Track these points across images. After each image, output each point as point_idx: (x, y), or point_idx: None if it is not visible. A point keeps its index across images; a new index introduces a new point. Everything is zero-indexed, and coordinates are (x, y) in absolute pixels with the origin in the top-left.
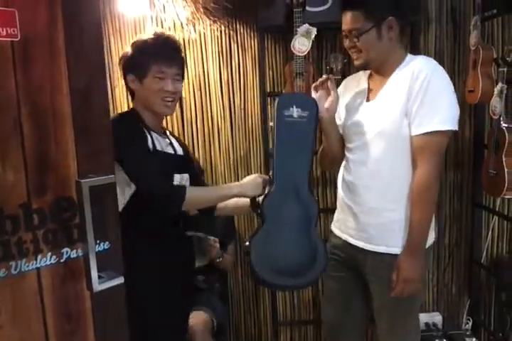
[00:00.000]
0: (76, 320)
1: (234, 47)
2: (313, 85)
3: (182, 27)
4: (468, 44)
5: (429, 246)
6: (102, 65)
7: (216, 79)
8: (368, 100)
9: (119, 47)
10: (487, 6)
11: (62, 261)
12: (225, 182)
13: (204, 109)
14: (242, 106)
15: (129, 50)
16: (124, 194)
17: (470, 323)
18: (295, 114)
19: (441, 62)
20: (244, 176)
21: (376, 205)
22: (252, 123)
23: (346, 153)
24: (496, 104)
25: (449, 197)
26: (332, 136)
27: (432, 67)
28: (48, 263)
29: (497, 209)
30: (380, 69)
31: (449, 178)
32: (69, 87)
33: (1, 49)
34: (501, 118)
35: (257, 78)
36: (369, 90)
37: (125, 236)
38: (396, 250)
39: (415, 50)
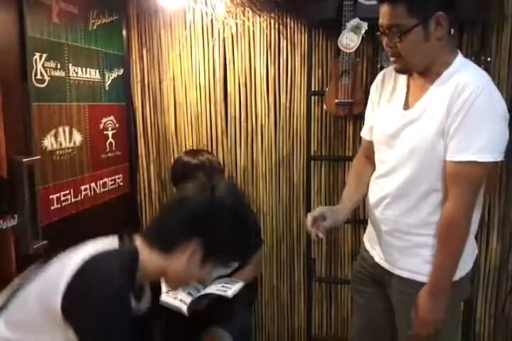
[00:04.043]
0: None
1: (283, 42)
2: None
3: (225, 19)
4: None
5: (464, 276)
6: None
7: (263, 76)
8: (405, 107)
9: (169, 40)
10: None
11: None
12: (266, 182)
13: (249, 106)
14: (288, 106)
15: None
16: None
17: None
18: None
19: None
20: (286, 177)
21: (400, 227)
22: (296, 124)
23: (377, 163)
24: None
25: None
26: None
27: (480, 84)
28: None
29: None
30: (424, 71)
31: None
32: None
33: None
34: None
35: (305, 76)
36: (407, 94)
37: None
38: (422, 278)
39: (486, 52)
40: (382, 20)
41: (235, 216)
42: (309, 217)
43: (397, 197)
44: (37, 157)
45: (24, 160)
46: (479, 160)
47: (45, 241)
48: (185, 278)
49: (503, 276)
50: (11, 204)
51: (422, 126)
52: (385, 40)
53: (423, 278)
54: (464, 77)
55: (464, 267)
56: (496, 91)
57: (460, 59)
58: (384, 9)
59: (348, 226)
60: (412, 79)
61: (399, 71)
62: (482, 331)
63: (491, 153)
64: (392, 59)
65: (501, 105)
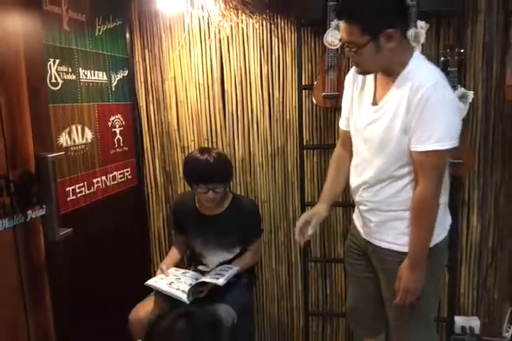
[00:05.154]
0: None
1: (274, 41)
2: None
3: (220, 22)
4: None
5: (438, 243)
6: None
7: (257, 73)
8: (373, 103)
9: (169, 42)
10: None
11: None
12: (262, 172)
13: (244, 102)
14: (281, 100)
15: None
16: None
17: (511, 332)
18: None
19: (490, 55)
20: (281, 166)
21: (375, 206)
22: (289, 117)
23: (354, 152)
24: None
25: (493, 197)
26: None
27: (433, 82)
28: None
29: None
30: (385, 71)
31: (495, 177)
32: None
33: None
34: None
35: (296, 72)
36: (375, 90)
37: None
38: (397, 247)
39: (461, 43)
40: (342, 36)
41: None
42: (296, 229)
43: (372, 184)
44: (60, 153)
45: (49, 156)
46: (440, 148)
47: (70, 229)
48: None
49: (484, 252)
50: (39, 196)
51: (386, 124)
52: (346, 51)
53: (398, 248)
54: (419, 77)
55: (437, 235)
56: (447, 86)
57: (415, 59)
58: (343, 26)
59: (340, 209)
60: (379, 75)
61: (360, 73)
62: (466, 302)
63: (449, 141)
64: (354, 65)
65: (452, 98)
